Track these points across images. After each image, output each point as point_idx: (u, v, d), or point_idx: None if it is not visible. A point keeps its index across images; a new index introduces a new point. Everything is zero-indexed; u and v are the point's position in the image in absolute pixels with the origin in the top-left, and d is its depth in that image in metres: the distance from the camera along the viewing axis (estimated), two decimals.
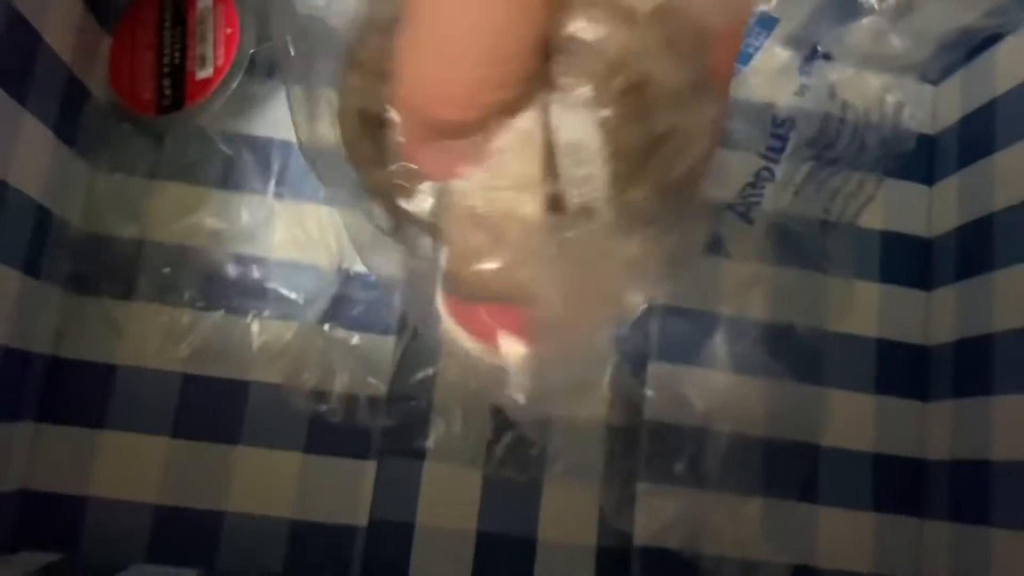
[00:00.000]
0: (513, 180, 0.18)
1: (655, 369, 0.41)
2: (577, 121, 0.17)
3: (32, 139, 0.34)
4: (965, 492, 0.38)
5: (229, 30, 0.38)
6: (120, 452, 0.38)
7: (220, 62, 0.38)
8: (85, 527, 0.37)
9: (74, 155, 0.38)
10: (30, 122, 0.34)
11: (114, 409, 0.38)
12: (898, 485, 0.41)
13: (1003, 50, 0.40)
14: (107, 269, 0.39)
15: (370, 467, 0.39)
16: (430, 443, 0.39)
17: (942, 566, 0.39)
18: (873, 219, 0.43)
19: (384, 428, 0.39)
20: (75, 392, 0.38)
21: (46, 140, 0.35)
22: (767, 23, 0.42)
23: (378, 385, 0.39)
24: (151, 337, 0.39)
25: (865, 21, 0.40)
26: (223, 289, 0.39)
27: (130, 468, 0.38)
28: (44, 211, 0.36)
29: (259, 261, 0.40)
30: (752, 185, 0.42)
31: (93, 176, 0.39)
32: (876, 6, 0.39)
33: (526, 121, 0.18)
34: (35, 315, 0.36)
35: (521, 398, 0.22)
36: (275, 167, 0.40)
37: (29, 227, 0.35)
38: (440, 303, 0.35)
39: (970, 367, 0.39)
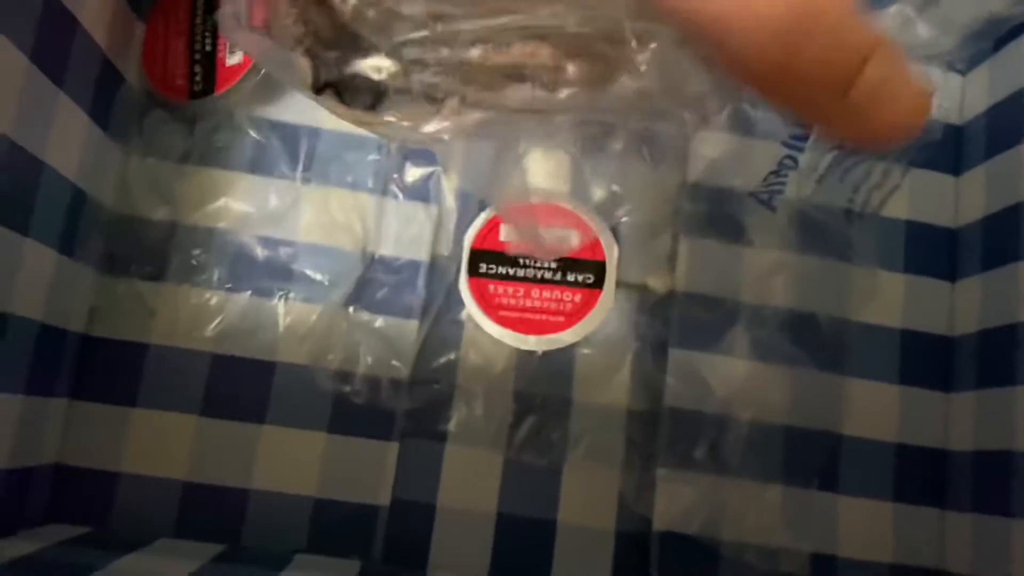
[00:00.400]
0: None
1: (676, 355, 0.41)
2: None
3: (68, 122, 0.35)
4: (988, 483, 0.38)
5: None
6: (150, 429, 0.39)
7: None
8: (115, 502, 0.38)
9: (108, 139, 0.39)
10: (67, 105, 0.35)
11: (145, 387, 0.39)
12: (920, 476, 0.41)
13: None
14: (139, 251, 0.40)
15: (392, 448, 0.39)
16: (452, 426, 0.40)
17: (964, 557, 0.39)
18: (898, 209, 0.43)
19: (407, 410, 0.40)
20: (107, 370, 0.39)
21: (82, 123, 0.36)
22: None
23: (401, 368, 0.40)
24: (181, 317, 0.40)
25: (892, 8, 0.40)
26: (251, 271, 0.40)
27: (160, 445, 0.39)
28: (79, 192, 0.37)
29: (286, 244, 0.40)
30: (775, 173, 0.42)
31: (126, 160, 0.40)
32: None
33: None
34: (69, 294, 0.37)
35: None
36: (302, 152, 0.41)
37: (64, 208, 0.36)
38: (464, 285, 0.36)
39: (995, 357, 0.39)
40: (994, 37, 0.41)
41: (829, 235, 0.42)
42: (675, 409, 0.40)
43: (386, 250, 0.41)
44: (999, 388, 0.38)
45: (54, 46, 0.33)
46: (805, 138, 0.42)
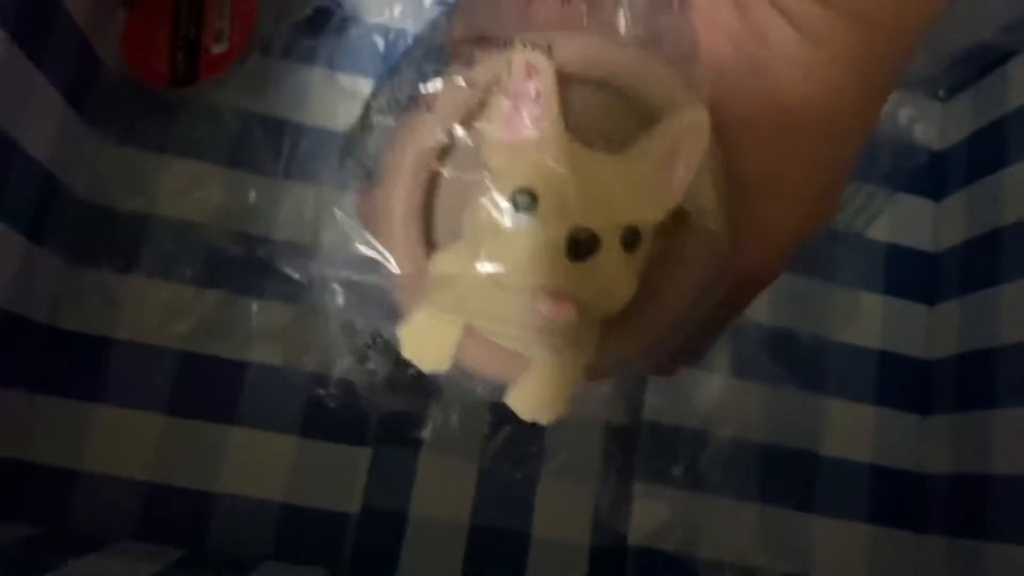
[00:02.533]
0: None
1: None
2: None
3: (44, 103, 0.34)
4: (963, 506, 0.38)
5: (247, 7, 0.38)
6: (114, 427, 0.37)
7: (236, 38, 0.38)
8: (74, 501, 0.36)
9: (84, 124, 0.37)
10: (43, 86, 0.34)
11: (110, 383, 0.37)
12: (896, 498, 0.41)
13: (1015, 67, 0.40)
14: (110, 241, 0.39)
15: (365, 454, 0.38)
16: (427, 433, 0.39)
17: None
18: (879, 231, 0.44)
19: (381, 416, 0.39)
20: (71, 363, 0.37)
21: (57, 106, 0.35)
22: None
23: (377, 372, 0.39)
24: (151, 312, 0.38)
25: None
26: (226, 268, 0.39)
27: (123, 444, 0.37)
28: (51, 177, 0.35)
29: (264, 241, 0.39)
30: None
31: (101, 147, 0.39)
32: None
33: None
34: (35, 282, 0.36)
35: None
36: (285, 147, 0.40)
37: (35, 192, 0.34)
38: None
39: (972, 381, 0.39)
40: (979, 65, 0.42)
41: (813, 255, 0.42)
42: (654, 424, 0.40)
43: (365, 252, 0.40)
44: (975, 411, 0.39)
45: (34, 25, 0.32)
46: None
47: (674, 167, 0.19)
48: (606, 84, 0.20)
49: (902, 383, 0.42)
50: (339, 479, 0.38)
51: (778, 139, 0.21)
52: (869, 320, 0.43)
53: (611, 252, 0.18)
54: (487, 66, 0.20)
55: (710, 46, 0.21)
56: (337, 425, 0.38)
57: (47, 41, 0.33)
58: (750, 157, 0.21)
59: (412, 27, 0.42)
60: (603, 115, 0.20)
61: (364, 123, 0.22)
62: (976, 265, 0.41)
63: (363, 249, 0.22)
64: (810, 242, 0.24)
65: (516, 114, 0.19)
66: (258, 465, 0.38)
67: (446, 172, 0.20)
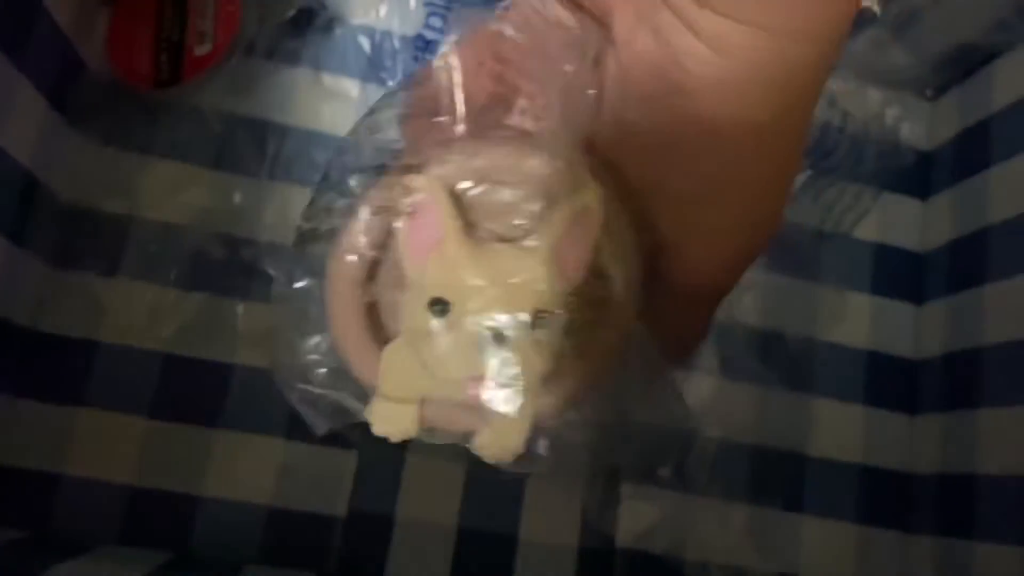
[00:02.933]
0: None
1: None
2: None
3: (25, 104, 0.34)
4: (952, 506, 0.38)
5: (231, 8, 0.38)
6: (96, 431, 0.37)
7: (220, 39, 0.38)
8: (57, 505, 0.36)
9: (66, 125, 0.37)
10: (24, 87, 0.33)
11: (92, 387, 0.37)
12: (884, 498, 0.41)
13: (1001, 67, 0.40)
14: (92, 244, 0.38)
15: (351, 457, 0.38)
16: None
17: None
18: (866, 231, 0.44)
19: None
20: (53, 367, 0.37)
21: (38, 106, 0.35)
22: None
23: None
24: (134, 315, 0.38)
25: (867, 33, 0.41)
26: (210, 270, 0.39)
27: (106, 447, 0.37)
28: (31, 179, 0.35)
29: (248, 243, 0.39)
30: None
31: (84, 148, 0.39)
32: (878, 13, 0.39)
33: None
34: (16, 284, 0.35)
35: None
36: (270, 149, 0.40)
37: (16, 193, 0.34)
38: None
39: (959, 380, 0.39)
40: (966, 65, 0.42)
41: (800, 255, 0.42)
42: (641, 425, 0.40)
43: None
44: (963, 411, 0.39)
45: (15, 26, 0.32)
46: None
47: (573, 247, 0.22)
48: (500, 181, 0.22)
49: (890, 383, 0.42)
50: (325, 482, 0.38)
51: (711, 157, 0.21)
52: (856, 320, 0.43)
53: (519, 338, 0.21)
54: (379, 192, 0.23)
55: (634, 74, 0.21)
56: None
57: (28, 42, 0.33)
58: (684, 177, 0.22)
59: (398, 28, 0.42)
60: (504, 208, 0.22)
61: (301, 237, 0.25)
62: (963, 264, 0.41)
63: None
64: (777, 247, 0.24)
65: (414, 230, 0.22)
66: (244, 468, 0.37)
67: (376, 291, 0.23)
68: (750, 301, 0.42)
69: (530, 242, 0.22)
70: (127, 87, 0.38)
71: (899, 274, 0.43)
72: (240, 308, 0.39)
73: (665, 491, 0.39)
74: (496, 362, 0.22)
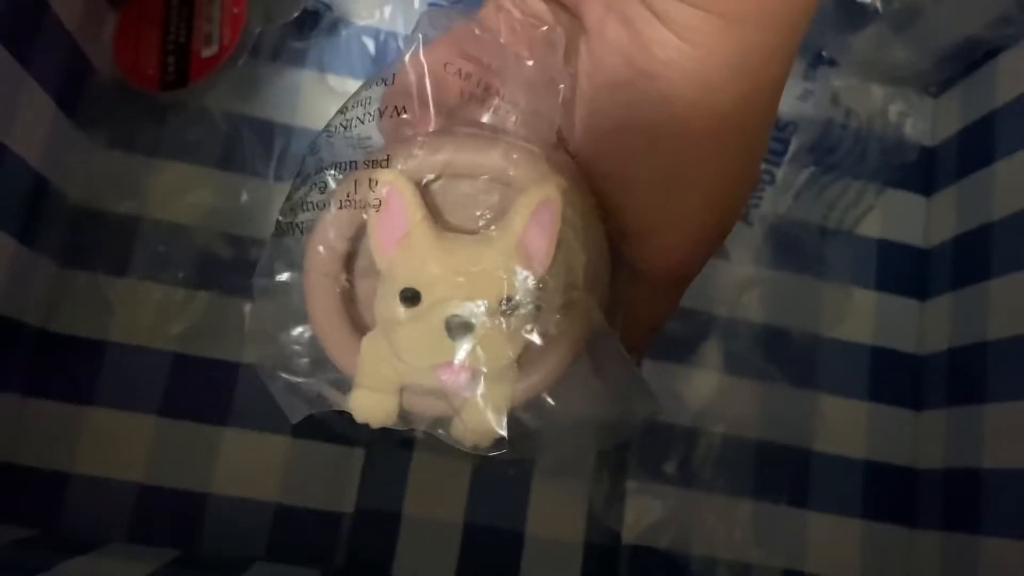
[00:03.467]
0: None
1: (649, 367, 0.40)
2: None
3: (34, 106, 0.34)
4: (956, 501, 0.38)
5: (236, 10, 0.38)
6: (106, 429, 0.37)
7: (226, 41, 0.38)
8: (66, 504, 0.36)
9: (74, 127, 0.38)
10: (33, 89, 0.34)
11: (102, 386, 0.38)
12: (889, 493, 0.41)
13: (1003, 62, 0.40)
14: (101, 244, 0.39)
15: (358, 454, 0.38)
16: (419, 432, 0.39)
17: (932, 575, 0.39)
18: (870, 227, 0.44)
19: None
20: (63, 366, 0.37)
21: (47, 109, 0.35)
22: None
23: None
24: (143, 315, 0.38)
25: (869, 29, 0.41)
26: (218, 269, 0.39)
27: (115, 446, 0.37)
28: (41, 180, 0.35)
29: (255, 243, 0.39)
30: None
31: (92, 150, 0.39)
32: (880, 9, 0.39)
33: None
34: (26, 285, 0.36)
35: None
36: (276, 149, 0.40)
37: (25, 194, 0.35)
38: None
39: (964, 375, 0.39)
40: (968, 60, 0.42)
41: (803, 251, 0.42)
42: (647, 421, 0.40)
43: None
44: (968, 406, 0.39)
45: (23, 27, 0.32)
46: (784, 152, 0.42)
47: (537, 237, 0.23)
48: (462, 175, 0.23)
49: (894, 379, 0.42)
50: (332, 479, 0.38)
51: (676, 143, 0.22)
52: (861, 316, 0.43)
53: (486, 325, 0.22)
54: (347, 186, 0.23)
55: (604, 63, 0.22)
56: (329, 426, 0.38)
57: (37, 45, 0.33)
58: (652, 162, 0.23)
59: (402, 28, 0.42)
60: (465, 200, 0.23)
61: (279, 230, 0.25)
62: (967, 260, 0.41)
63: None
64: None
65: (381, 223, 0.23)
66: (251, 466, 0.38)
67: (353, 282, 0.24)
68: (754, 298, 0.42)
69: (493, 233, 0.23)
70: (134, 89, 0.39)
71: (903, 270, 0.43)
72: (247, 307, 0.39)
73: (671, 487, 0.40)
74: (463, 349, 0.22)
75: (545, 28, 0.24)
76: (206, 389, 0.38)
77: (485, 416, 0.23)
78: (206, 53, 0.38)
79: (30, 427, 0.37)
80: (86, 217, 0.39)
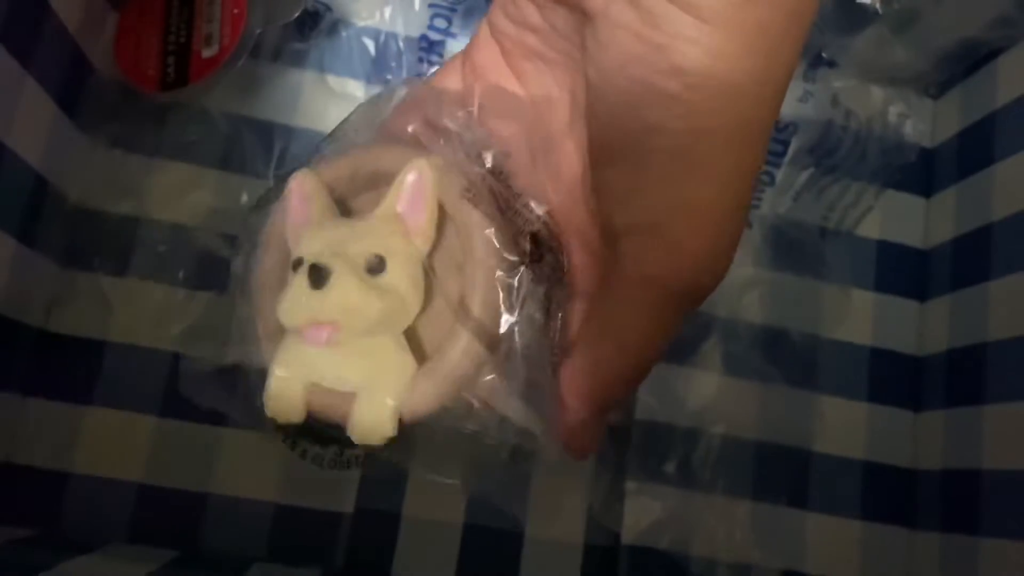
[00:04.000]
0: None
1: None
2: None
3: (34, 106, 0.34)
4: (955, 502, 0.38)
5: (236, 10, 0.38)
6: (106, 430, 0.37)
7: (226, 41, 0.38)
8: (66, 504, 0.36)
9: (74, 128, 0.38)
10: (33, 89, 0.34)
11: (101, 385, 0.38)
12: (888, 494, 0.41)
13: (1003, 63, 0.40)
14: (101, 244, 0.39)
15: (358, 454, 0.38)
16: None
17: None
18: (870, 228, 0.44)
19: None
20: (63, 366, 0.37)
21: (47, 109, 0.35)
22: None
23: None
24: (143, 315, 0.38)
25: (869, 30, 0.41)
26: (218, 270, 0.39)
27: (115, 446, 0.37)
28: (41, 180, 0.35)
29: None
30: None
31: (92, 150, 0.39)
32: (880, 10, 0.39)
33: None
34: (27, 285, 0.36)
35: None
36: (276, 150, 0.40)
37: (25, 194, 0.35)
38: None
39: (963, 376, 0.39)
40: (968, 61, 0.42)
41: (803, 252, 0.42)
42: (646, 422, 0.40)
43: None
44: (967, 407, 0.39)
45: (23, 28, 0.32)
46: (783, 153, 0.42)
47: (412, 211, 0.24)
48: (364, 174, 0.26)
49: (893, 379, 0.42)
50: (332, 480, 0.38)
51: (692, 116, 0.21)
52: (860, 317, 0.43)
53: (348, 277, 0.23)
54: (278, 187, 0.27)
55: (614, 43, 0.22)
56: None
57: (37, 45, 0.33)
58: (670, 135, 0.22)
59: (402, 29, 0.42)
60: (375, 198, 0.25)
61: (245, 226, 0.28)
62: (966, 261, 0.41)
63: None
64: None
65: (292, 212, 0.25)
66: (251, 466, 0.38)
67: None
68: (754, 299, 0.42)
69: (380, 207, 0.25)
70: (135, 89, 0.39)
71: (903, 271, 0.43)
72: None
73: (670, 487, 0.40)
74: (325, 303, 0.23)
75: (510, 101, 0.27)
76: None
77: (379, 415, 0.23)
78: (206, 53, 0.38)
79: (30, 427, 0.37)
80: (86, 217, 0.39)
